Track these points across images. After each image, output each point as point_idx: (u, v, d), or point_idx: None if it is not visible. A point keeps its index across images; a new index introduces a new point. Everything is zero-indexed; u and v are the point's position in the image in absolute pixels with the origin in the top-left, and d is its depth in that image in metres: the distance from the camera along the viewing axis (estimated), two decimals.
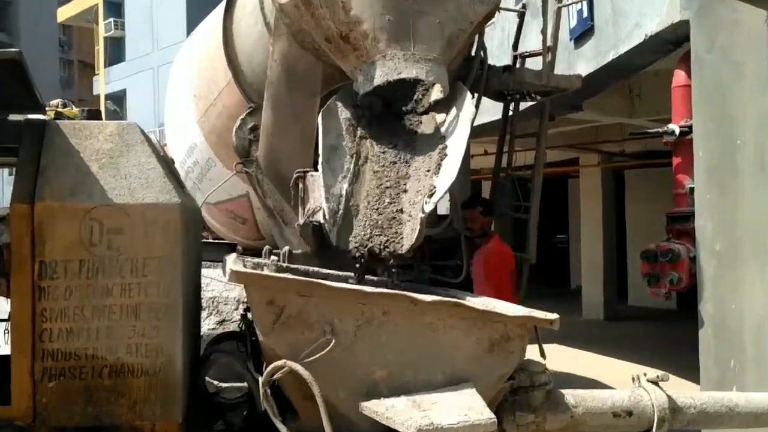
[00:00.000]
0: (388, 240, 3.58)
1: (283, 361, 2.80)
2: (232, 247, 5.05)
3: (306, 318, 2.89)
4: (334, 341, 2.85)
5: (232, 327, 4.40)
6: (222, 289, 4.67)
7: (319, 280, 2.95)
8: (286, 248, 4.09)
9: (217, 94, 5.33)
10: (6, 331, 3.19)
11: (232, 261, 3.15)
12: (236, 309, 4.58)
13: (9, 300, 2.91)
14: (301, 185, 4.38)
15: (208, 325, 4.49)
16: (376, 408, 2.77)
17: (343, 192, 3.83)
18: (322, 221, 3.71)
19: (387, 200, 3.74)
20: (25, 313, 2.87)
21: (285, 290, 2.87)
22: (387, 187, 3.79)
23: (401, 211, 3.67)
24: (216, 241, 5.95)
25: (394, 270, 3.67)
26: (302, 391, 2.94)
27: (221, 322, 4.53)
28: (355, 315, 2.92)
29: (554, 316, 3.05)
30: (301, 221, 4.04)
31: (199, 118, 5.59)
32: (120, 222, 2.93)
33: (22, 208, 2.86)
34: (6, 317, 3.24)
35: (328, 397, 2.78)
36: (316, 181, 4.17)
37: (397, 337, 2.94)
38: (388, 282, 3.72)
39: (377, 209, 3.69)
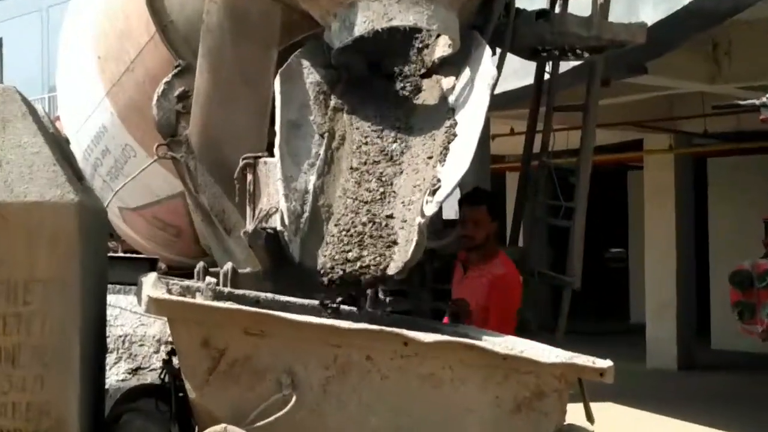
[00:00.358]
0: (373, 256, 3.60)
1: (223, 426, 2.79)
2: (151, 265, 5.05)
3: (256, 365, 2.89)
4: (295, 399, 2.85)
5: (151, 378, 4.38)
6: (136, 324, 4.66)
7: (276, 312, 2.96)
8: (228, 266, 4.09)
9: (135, 54, 5.32)
10: None
11: (150, 284, 3.15)
12: (156, 352, 4.56)
13: None
14: (249, 177, 4.38)
15: (116, 374, 4.48)
16: None
17: (310, 187, 3.84)
18: (279, 228, 3.72)
19: (372, 199, 3.75)
20: None
21: (226, 326, 2.87)
22: (372, 181, 3.81)
23: (391, 216, 3.68)
24: (129, 255, 5.95)
25: (381, 298, 3.68)
26: None
27: (135, 371, 4.52)
28: (326, 361, 2.92)
29: (606, 363, 3.06)
30: (249, 227, 4.05)
31: (108, 89, 5.57)
32: None
33: None
34: None
35: None
36: (271, 170, 4.18)
37: (384, 395, 2.93)
38: (373, 315, 3.73)
39: (358, 212, 3.71)
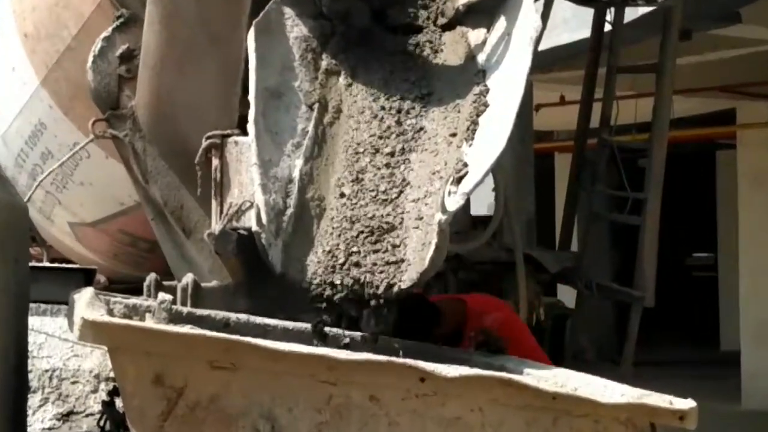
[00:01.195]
0: (380, 265, 3.61)
1: None
2: (87, 277, 5.06)
3: (225, 408, 2.90)
4: None
5: (87, 425, 4.41)
6: (68, 354, 4.69)
7: (251, 339, 2.97)
8: (189, 278, 4.11)
9: (76, 27, 5.33)
10: None
11: (85, 303, 3.16)
12: (94, 392, 4.59)
13: None
14: (215, 161, 4.40)
15: (42, 420, 4.50)
16: None
17: (295, 174, 3.85)
18: (254, 228, 3.73)
19: (377, 191, 3.76)
20: None
21: (185, 357, 2.88)
22: (377, 167, 3.82)
23: (403, 211, 3.71)
24: (58, 265, 5.96)
25: (389, 320, 3.69)
26: None
27: (67, 416, 4.55)
28: (317, 403, 2.93)
29: (687, 403, 3.06)
30: (216, 228, 4.08)
31: (43, 76, 5.61)
32: None
33: None
34: None
35: None
36: (244, 153, 4.20)
37: None
38: (379, 342, 3.75)
39: (358, 207, 3.72)
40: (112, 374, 4.57)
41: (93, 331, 2.85)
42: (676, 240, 14.31)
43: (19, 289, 3.59)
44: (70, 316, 3.36)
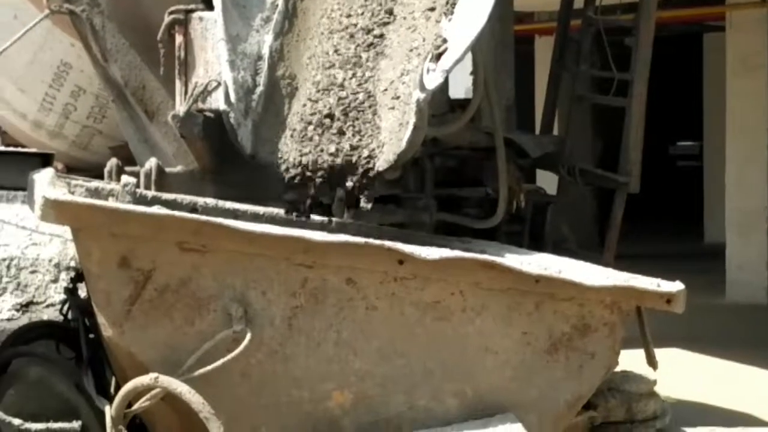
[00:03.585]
0: (353, 148, 3.61)
1: (152, 376, 2.84)
2: (44, 162, 5.04)
3: (195, 292, 2.94)
4: (249, 337, 2.91)
5: (49, 315, 4.43)
6: (26, 243, 4.68)
7: (222, 220, 2.99)
8: (152, 162, 4.11)
9: None
10: None
11: (47, 182, 3.16)
12: (55, 281, 4.60)
13: None
14: (179, 38, 4.36)
15: (0, 311, 4.52)
16: None
17: (265, 51, 3.84)
18: (222, 107, 3.72)
19: (352, 67, 3.75)
20: None
21: (154, 239, 2.90)
22: (351, 42, 3.80)
23: (379, 90, 3.70)
24: (12, 149, 5.93)
25: (365, 204, 3.71)
26: None
27: (26, 306, 4.56)
28: (292, 286, 2.98)
29: (675, 286, 3.13)
30: (180, 109, 4.06)
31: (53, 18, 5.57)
32: None
33: None
34: None
35: None
36: (209, 28, 4.16)
37: (371, 331, 3.00)
38: (354, 228, 3.77)
39: (332, 85, 3.71)
40: (73, 263, 4.59)
41: (56, 211, 2.85)
42: (660, 128, 14.32)
43: None
44: (30, 196, 3.36)
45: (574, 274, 3.19)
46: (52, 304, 4.48)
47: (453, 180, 4.90)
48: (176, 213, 3.00)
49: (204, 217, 3.02)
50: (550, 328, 3.10)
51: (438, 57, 3.52)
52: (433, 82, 3.47)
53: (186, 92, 4.27)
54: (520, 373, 3.09)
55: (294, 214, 3.71)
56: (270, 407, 2.96)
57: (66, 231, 4.67)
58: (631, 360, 3.43)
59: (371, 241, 3.05)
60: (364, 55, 3.80)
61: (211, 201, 3.83)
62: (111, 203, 3.23)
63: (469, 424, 3.01)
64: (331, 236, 3.06)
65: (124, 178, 3.73)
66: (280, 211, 3.82)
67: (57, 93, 6.08)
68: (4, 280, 4.55)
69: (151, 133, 4.72)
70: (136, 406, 2.88)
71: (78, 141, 6.11)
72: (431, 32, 3.66)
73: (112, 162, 4.20)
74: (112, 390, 3.45)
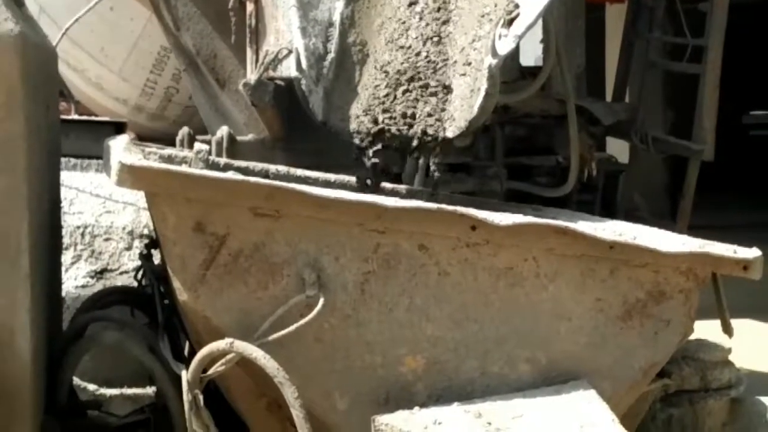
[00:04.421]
0: (424, 114, 3.61)
1: (227, 341, 2.87)
2: (117, 130, 5.09)
3: (269, 257, 2.95)
4: (322, 302, 2.92)
5: (123, 281, 4.49)
6: (100, 210, 4.73)
7: (295, 186, 3.00)
8: (223, 131, 4.13)
9: None
10: None
11: (122, 148, 3.19)
12: (128, 249, 4.66)
13: None
14: (250, 6, 4.37)
15: (74, 278, 4.57)
16: (407, 427, 2.85)
17: (336, 17, 3.83)
18: (294, 74, 3.72)
19: (423, 36, 3.73)
20: None
21: (228, 204, 2.92)
22: (423, 10, 3.79)
23: (450, 57, 3.69)
24: (87, 118, 6.00)
25: (435, 172, 3.71)
26: (263, 397, 3.01)
27: (100, 273, 4.62)
28: (364, 252, 2.99)
29: (752, 252, 3.10)
30: (251, 77, 4.07)
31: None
32: None
33: None
34: None
35: (313, 408, 2.87)
36: None
37: (443, 296, 3.01)
38: (424, 194, 3.77)
39: (404, 54, 3.70)
40: (146, 231, 4.64)
41: (132, 176, 2.88)
42: (733, 96, 14.11)
43: (52, 137, 3.62)
44: (105, 162, 3.39)
45: (649, 241, 3.17)
46: (126, 272, 4.53)
47: (523, 148, 4.88)
48: (250, 178, 3.01)
49: (277, 183, 3.02)
50: (625, 295, 3.08)
51: (510, 22, 3.50)
52: (505, 47, 3.45)
53: (257, 60, 4.27)
54: (594, 340, 3.08)
55: (365, 180, 3.71)
56: (343, 372, 2.97)
57: (139, 199, 4.73)
58: (705, 330, 3.40)
59: (444, 207, 3.04)
60: (434, 22, 3.79)
61: (282, 168, 3.84)
62: (186, 168, 3.25)
63: (541, 391, 3.01)
64: (404, 202, 3.06)
65: (197, 145, 3.76)
66: (351, 179, 3.83)
67: (158, 78, 6.31)
68: (79, 247, 4.60)
69: (222, 102, 4.75)
70: (211, 371, 2.90)
71: (179, 120, 6.19)
72: None
73: (184, 131, 4.23)
74: (185, 355, 3.50)
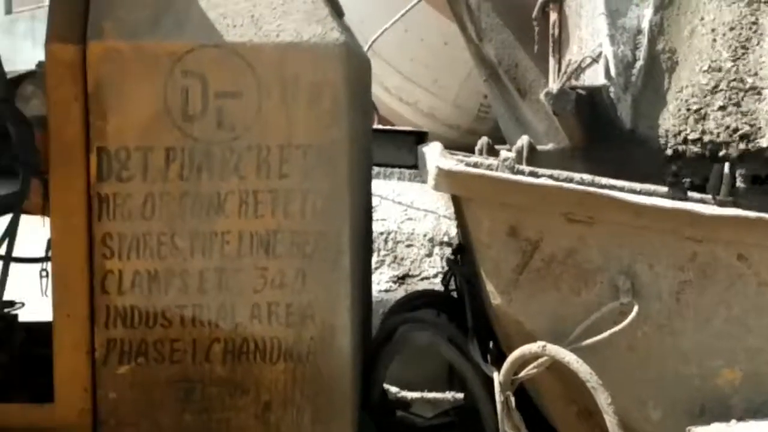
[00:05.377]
0: (734, 125, 3.53)
1: (540, 344, 2.88)
2: (419, 140, 5.19)
3: (582, 263, 2.96)
4: (636, 309, 2.90)
5: (423, 287, 4.56)
6: (402, 218, 4.83)
7: (609, 192, 2.99)
8: (524, 140, 4.15)
9: None
10: (44, 275, 3.55)
11: (437, 154, 3.25)
12: (429, 255, 4.73)
13: (47, 220, 3.21)
14: (554, 16, 4.38)
15: (378, 282, 4.68)
16: None
17: (644, 25, 3.79)
18: (602, 81, 3.72)
19: (736, 45, 3.65)
20: (75, 244, 3.16)
21: (541, 210, 2.93)
22: (735, 19, 3.70)
23: (757, 70, 3.58)
24: (390, 128, 6.13)
25: (741, 183, 3.63)
26: (574, 403, 3.01)
27: (402, 279, 4.71)
28: (680, 260, 2.95)
29: None
30: (554, 86, 4.08)
31: None
32: (236, 78, 3.07)
33: (63, 51, 3.09)
34: (44, 253, 3.59)
35: (625, 417, 2.85)
36: (585, 5, 4.16)
37: (764, 306, 2.93)
38: (734, 203, 3.68)
39: (714, 62, 3.63)
40: (446, 239, 4.71)
41: (449, 180, 2.93)
42: None
43: (366, 144, 3.73)
44: (422, 167, 3.47)
45: None
46: (426, 278, 4.61)
47: None
48: (563, 184, 3.02)
49: (590, 188, 3.02)
50: None
51: None
52: None
53: (559, 69, 4.28)
54: None
55: (674, 189, 3.66)
56: (657, 381, 2.94)
57: (439, 207, 4.82)
58: None
59: (764, 215, 2.96)
60: (745, 32, 3.71)
61: (587, 176, 3.82)
62: (501, 174, 3.29)
63: None
64: (721, 210, 3.00)
65: (503, 153, 3.79)
66: (657, 188, 3.78)
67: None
68: (382, 252, 4.71)
69: (523, 111, 4.77)
70: (522, 373, 2.93)
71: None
72: None
73: (483, 140, 4.28)
74: (491, 358, 3.54)
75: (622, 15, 3.81)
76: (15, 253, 3.29)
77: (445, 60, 6.24)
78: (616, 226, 2.94)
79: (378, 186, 4.82)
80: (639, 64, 3.73)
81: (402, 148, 4.78)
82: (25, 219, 3.26)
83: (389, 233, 4.72)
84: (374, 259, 4.67)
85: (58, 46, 3.14)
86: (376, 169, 4.89)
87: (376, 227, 4.71)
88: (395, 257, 4.70)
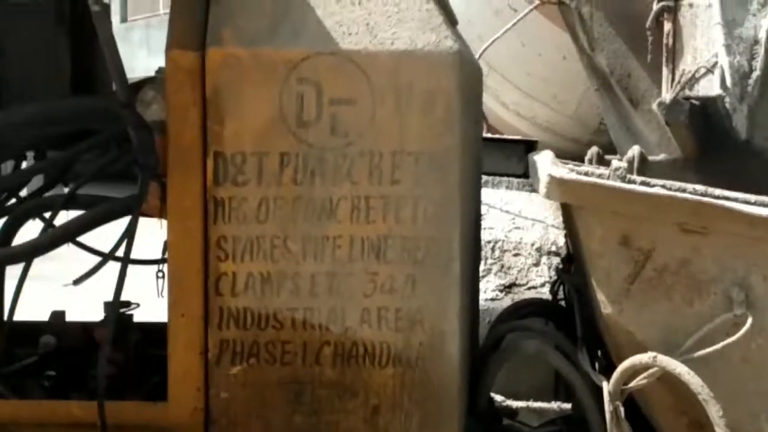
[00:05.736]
0: None
1: (651, 355, 2.86)
2: (527, 149, 5.19)
3: (695, 274, 2.93)
4: (750, 321, 2.86)
5: (530, 296, 4.55)
6: (509, 227, 4.83)
7: (723, 202, 2.96)
8: (635, 150, 4.12)
9: None
10: (160, 276, 3.62)
11: (549, 162, 3.25)
12: (536, 265, 4.72)
13: (164, 223, 3.29)
14: (668, 25, 4.34)
15: (484, 290, 4.68)
16: None
17: (761, 35, 3.74)
18: (718, 92, 3.68)
19: None
20: (191, 246, 3.23)
21: (654, 219, 2.92)
22: None
23: None
24: (498, 136, 6.14)
25: None
26: (684, 415, 2.99)
27: (509, 288, 4.71)
28: None
29: None
30: (667, 96, 4.05)
31: None
32: (351, 85, 3.12)
33: (183, 58, 3.17)
34: (161, 255, 3.67)
35: (738, 429, 2.83)
36: (700, 14, 4.11)
37: None
38: None
39: None
40: (554, 248, 4.70)
41: (560, 188, 2.94)
42: None
43: (477, 152, 3.75)
44: (533, 175, 3.47)
45: None
46: (533, 287, 4.60)
47: None
48: (677, 194, 3.00)
49: (705, 198, 3.00)
50: None
51: None
52: None
53: (672, 80, 4.24)
54: None
55: None
56: None
57: (547, 216, 4.81)
58: None
59: None
60: None
61: (699, 187, 3.78)
62: (613, 183, 3.28)
63: None
64: None
65: (615, 163, 3.76)
66: None
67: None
68: (489, 261, 4.72)
69: (634, 121, 4.73)
70: (632, 384, 2.91)
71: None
72: None
73: (593, 150, 4.25)
74: (599, 368, 3.52)
75: (739, 25, 3.76)
76: (133, 255, 3.35)
77: (563, 74, 6.21)
78: (731, 237, 2.92)
79: (486, 195, 4.82)
80: (756, 74, 3.68)
81: (511, 157, 4.77)
82: (143, 221, 3.33)
83: (496, 242, 4.72)
84: (481, 267, 4.68)
85: (179, 53, 3.20)
86: (484, 178, 4.89)
87: (484, 236, 4.72)
88: (502, 266, 4.70)
